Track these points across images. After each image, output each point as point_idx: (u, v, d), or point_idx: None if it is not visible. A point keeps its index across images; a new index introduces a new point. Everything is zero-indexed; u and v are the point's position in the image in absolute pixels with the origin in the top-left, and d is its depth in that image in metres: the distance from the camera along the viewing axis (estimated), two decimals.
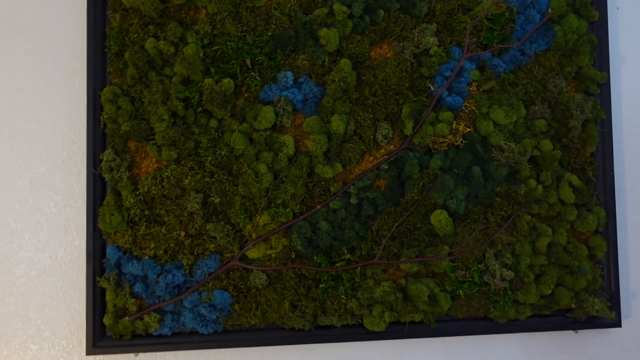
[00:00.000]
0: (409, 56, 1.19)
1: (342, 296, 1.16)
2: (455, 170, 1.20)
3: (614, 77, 1.29)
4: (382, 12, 1.19)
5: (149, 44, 1.11)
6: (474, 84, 1.21)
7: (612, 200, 1.25)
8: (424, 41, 1.19)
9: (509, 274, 1.19)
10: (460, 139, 1.19)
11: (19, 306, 1.12)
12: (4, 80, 1.14)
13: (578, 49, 1.23)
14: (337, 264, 1.15)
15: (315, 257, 1.16)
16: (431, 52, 1.20)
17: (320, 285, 1.15)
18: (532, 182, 1.20)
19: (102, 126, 1.12)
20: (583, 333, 1.25)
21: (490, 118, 1.20)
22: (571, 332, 1.25)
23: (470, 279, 1.19)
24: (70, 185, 1.14)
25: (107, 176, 1.11)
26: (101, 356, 1.13)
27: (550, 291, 1.21)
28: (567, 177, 1.22)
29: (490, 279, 1.19)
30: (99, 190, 1.12)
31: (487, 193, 1.20)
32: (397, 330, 1.18)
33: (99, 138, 1.12)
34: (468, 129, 1.20)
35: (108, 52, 1.13)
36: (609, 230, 1.25)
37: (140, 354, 1.13)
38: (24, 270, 1.13)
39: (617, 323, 1.23)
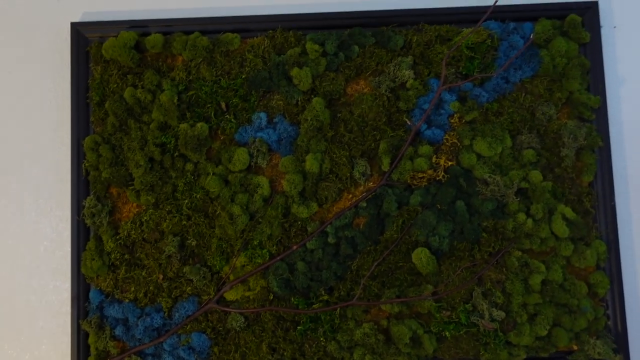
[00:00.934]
0: (385, 91, 1.17)
1: (322, 338, 1.13)
2: (438, 205, 1.15)
3: (612, 100, 1.21)
4: (356, 47, 1.18)
5: (127, 93, 1.15)
6: (455, 115, 1.17)
7: (615, 233, 1.16)
8: (400, 74, 1.16)
9: (499, 314, 1.13)
10: (442, 173, 1.15)
11: (12, 350, 1.17)
12: None
13: (567, 74, 1.17)
14: (315, 306, 1.13)
15: (292, 299, 1.14)
16: (408, 85, 1.17)
17: (298, 328, 1.13)
18: (521, 216, 1.14)
19: (84, 174, 1.16)
20: None
21: (474, 150, 1.16)
22: None
23: (457, 319, 1.13)
24: (58, 231, 1.19)
25: (89, 222, 1.15)
26: None
27: (545, 332, 1.13)
28: (560, 209, 1.14)
29: (478, 320, 1.13)
30: (82, 235, 1.16)
31: (472, 229, 1.14)
32: None
33: (82, 185, 1.16)
34: (450, 163, 1.16)
35: (90, 103, 1.18)
36: (612, 266, 1.15)
37: None
38: (18, 314, 1.18)
39: None
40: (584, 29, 1.18)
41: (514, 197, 1.14)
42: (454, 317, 1.14)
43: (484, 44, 1.17)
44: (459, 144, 1.16)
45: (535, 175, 1.15)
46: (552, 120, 1.17)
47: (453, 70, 1.17)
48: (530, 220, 1.14)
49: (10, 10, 1.24)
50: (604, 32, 1.22)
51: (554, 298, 1.14)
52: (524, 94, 1.18)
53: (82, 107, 1.18)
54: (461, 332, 1.13)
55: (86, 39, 1.19)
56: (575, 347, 1.15)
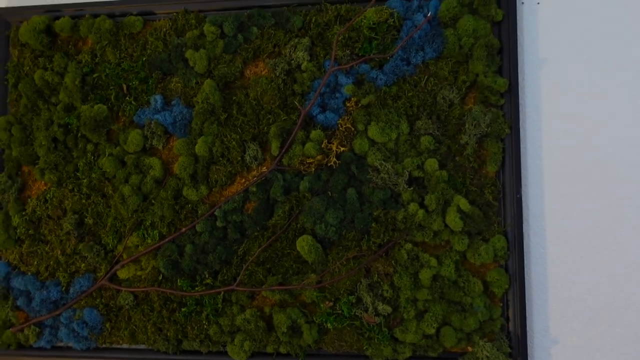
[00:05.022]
0: (280, 73, 1.14)
1: (204, 321, 1.13)
2: (330, 192, 1.11)
3: (530, 83, 1.10)
4: (255, 29, 1.15)
5: (37, 75, 1.20)
6: (352, 99, 1.12)
7: (519, 228, 1.06)
8: (295, 56, 1.13)
9: (385, 309, 1.07)
10: (334, 159, 1.11)
11: None
12: None
13: (473, 55, 1.08)
14: (197, 288, 1.13)
15: (178, 281, 1.15)
16: (303, 67, 1.13)
17: (183, 309, 1.14)
18: (413, 207, 1.07)
19: None
20: None
21: (368, 136, 1.10)
22: None
23: (340, 311, 1.09)
24: None
25: None
26: None
27: (433, 330, 1.06)
28: (456, 200, 1.07)
29: (361, 313, 1.08)
30: None
31: (363, 218, 1.09)
32: None
33: None
34: (343, 148, 1.11)
35: (7, 84, 1.24)
36: (514, 264, 1.06)
37: None
38: None
39: None
40: (496, 6, 1.09)
41: (406, 186, 1.08)
42: (337, 308, 1.10)
43: (385, 24, 1.11)
44: (353, 129, 1.11)
45: (430, 164, 1.08)
46: (454, 105, 1.09)
47: (349, 52, 1.12)
48: (422, 211, 1.07)
49: None
50: (525, 9, 1.12)
51: (444, 295, 1.07)
52: (426, 77, 1.10)
53: (1, 89, 1.24)
54: (344, 325, 1.09)
55: (8, 24, 1.25)
56: (469, 349, 1.08)
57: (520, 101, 1.10)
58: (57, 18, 1.22)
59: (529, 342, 1.07)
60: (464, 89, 1.09)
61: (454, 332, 1.06)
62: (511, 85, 1.08)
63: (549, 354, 1.07)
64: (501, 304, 1.07)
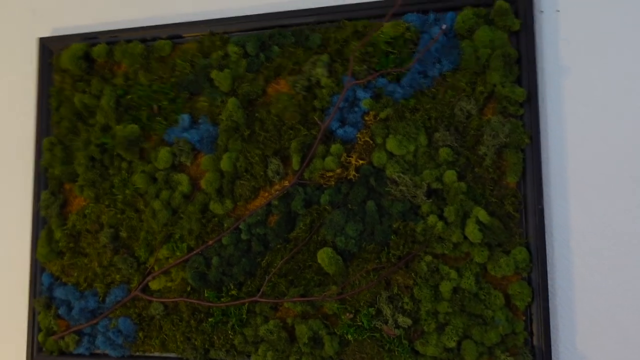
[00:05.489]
0: (300, 89, 1.17)
1: (230, 332, 1.17)
2: (350, 205, 1.13)
3: (551, 92, 1.09)
4: (276, 48, 1.19)
5: (76, 98, 1.28)
6: (371, 113, 1.13)
7: (541, 240, 1.04)
8: (314, 73, 1.16)
9: (405, 321, 1.07)
10: (353, 172, 1.13)
11: None
12: None
13: (490, 65, 1.07)
14: (222, 299, 1.17)
15: (205, 292, 1.19)
16: (322, 83, 1.16)
17: (209, 319, 1.18)
18: (432, 219, 1.07)
19: (42, 170, 1.32)
20: None
21: (386, 149, 1.11)
22: None
23: (360, 323, 1.10)
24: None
25: (43, 213, 1.30)
26: None
27: (454, 344, 1.05)
28: (475, 212, 1.06)
29: (381, 325, 1.09)
30: (41, 225, 1.31)
31: (382, 230, 1.10)
32: None
33: (42, 180, 1.32)
34: (362, 162, 1.13)
35: (51, 108, 1.33)
36: (537, 276, 1.04)
37: None
38: None
39: None
40: (513, 16, 1.08)
41: (424, 198, 1.08)
42: (357, 320, 1.11)
43: (401, 38, 1.12)
44: (371, 143, 1.13)
45: (449, 176, 1.07)
46: (472, 117, 1.09)
47: (366, 66, 1.14)
48: (440, 223, 1.07)
49: None
50: (544, 17, 1.11)
51: (464, 307, 1.06)
52: (444, 89, 1.11)
53: (44, 112, 1.33)
54: (364, 337, 1.10)
55: (51, 51, 1.35)
56: None
57: (542, 110, 1.09)
58: (94, 45, 1.30)
59: (554, 358, 1.04)
60: (481, 99, 1.09)
61: (475, 346, 1.05)
62: (530, 94, 1.06)
63: None
64: (524, 318, 1.05)
